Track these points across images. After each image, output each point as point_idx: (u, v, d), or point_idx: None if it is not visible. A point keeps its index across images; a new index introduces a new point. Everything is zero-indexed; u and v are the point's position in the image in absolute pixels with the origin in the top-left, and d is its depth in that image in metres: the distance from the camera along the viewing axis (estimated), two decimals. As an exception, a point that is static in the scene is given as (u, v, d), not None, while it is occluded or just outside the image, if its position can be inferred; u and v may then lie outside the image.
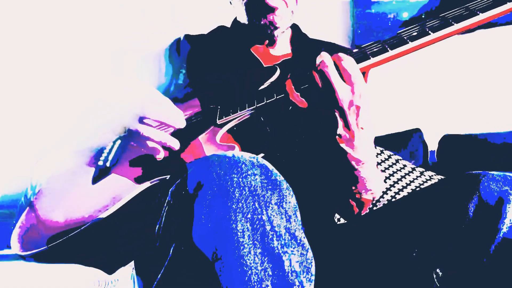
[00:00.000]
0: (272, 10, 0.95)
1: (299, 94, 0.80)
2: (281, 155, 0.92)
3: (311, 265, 0.58)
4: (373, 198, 0.87)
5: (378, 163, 1.64)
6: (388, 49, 0.76)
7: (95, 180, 0.86)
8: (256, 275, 0.53)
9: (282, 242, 0.56)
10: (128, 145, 0.87)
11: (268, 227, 0.56)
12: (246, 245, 0.54)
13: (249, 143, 0.85)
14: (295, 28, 1.10)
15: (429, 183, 1.63)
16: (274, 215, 0.57)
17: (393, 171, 1.66)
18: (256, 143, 0.85)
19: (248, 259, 0.54)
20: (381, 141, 1.71)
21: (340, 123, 0.77)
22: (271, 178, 0.59)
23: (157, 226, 0.67)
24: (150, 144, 0.79)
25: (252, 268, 0.53)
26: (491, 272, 0.66)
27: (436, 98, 1.95)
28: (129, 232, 0.79)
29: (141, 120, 0.79)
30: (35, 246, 0.78)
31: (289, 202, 0.60)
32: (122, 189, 0.80)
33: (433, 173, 1.68)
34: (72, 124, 0.91)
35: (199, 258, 0.55)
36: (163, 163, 0.82)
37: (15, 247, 0.80)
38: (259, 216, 0.56)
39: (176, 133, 0.82)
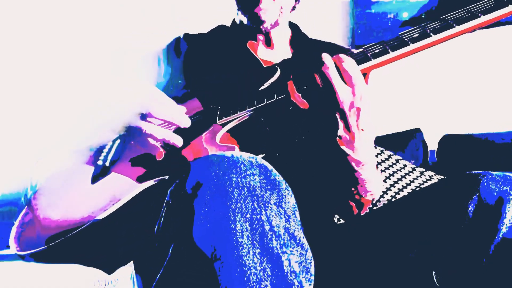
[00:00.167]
0: (256, 3, 0.96)
1: (300, 95, 0.80)
2: (281, 156, 0.92)
3: (311, 265, 0.58)
4: (373, 199, 0.87)
5: (378, 163, 1.64)
6: (389, 50, 0.76)
7: (95, 179, 0.86)
8: (255, 275, 0.53)
9: (281, 242, 0.56)
10: (128, 144, 0.87)
11: (267, 227, 0.56)
12: (245, 245, 0.54)
13: (249, 143, 0.84)
14: (295, 28, 1.10)
15: (429, 183, 1.63)
16: (273, 215, 0.57)
17: (393, 171, 1.66)
18: (256, 143, 0.85)
19: (247, 259, 0.54)
20: (381, 141, 1.71)
21: (341, 124, 0.77)
22: (270, 178, 0.59)
23: (156, 226, 0.67)
24: (151, 141, 0.79)
25: (251, 268, 0.53)
26: (491, 272, 0.66)
27: (436, 98, 1.95)
28: (128, 232, 0.79)
29: (143, 118, 0.79)
30: (33, 246, 0.78)
31: (288, 202, 0.60)
32: (121, 188, 0.80)
33: (433, 173, 1.68)
34: (72, 124, 0.91)
35: (198, 258, 0.55)
36: (163, 162, 0.81)
37: (13, 247, 0.80)
38: (258, 216, 0.56)
39: (176, 133, 0.82)
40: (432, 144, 1.84)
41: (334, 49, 1.08)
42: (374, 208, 0.92)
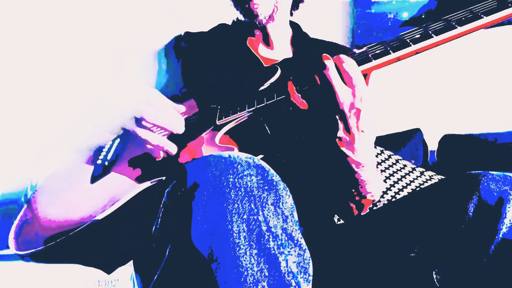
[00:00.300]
0: None
1: (299, 95, 0.80)
2: (281, 156, 0.92)
3: (309, 265, 0.58)
4: (373, 200, 0.87)
5: (378, 163, 1.63)
6: (391, 51, 0.75)
7: (94, 179, 0.86)
8: (252, 276, 0.53)
9: (279, 243, 0.56)
10: (128, 144, 0.86)
11: (264, 228, 0.56)
12: (242, 246, 0.54)
13: (249, 144, 0.84)
14: (295, 27, 1.10)
15: (429, 183, 1.63)
16: (270, 216, 0.57)
17: (393, 171, 1.66)
18: (255, 144, 0.84)
19: (244, 260, 0.53)
20: (381, 141, 1.70)
21: (341, 126, 0.77)
22: (267, 179, 0.59)
23: (154, 227, 0.66)
24: (148, 145, 0.79)
25: (248, 269, 0.53)
26: (491, 272, 0.66)
27: (436, 98, 1.95)
28: (128, 232, 0.79)
29: (138, 122, 0.78)
30: (32, 246, 0.78)
31: (286, 203, 0.59)
32: (121, 188, 0.80)
33: (433, 173, 1.68)
34: (72, 124, 0.90)
35: (195, 259, 0.55)
36: (162, 163, 0.81)
37: (12, 246, 0.80)
38: (255, 217, 0.56)
39: (174, 135, 0.82)
40: (432, 144, 1.84)
41: (335, 49, 1.07)
42: (374, 208, 0.92)
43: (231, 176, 0.57)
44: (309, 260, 0.59)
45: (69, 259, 0.82)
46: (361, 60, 0.77)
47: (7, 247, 0.81)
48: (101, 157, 0.89)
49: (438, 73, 1.95)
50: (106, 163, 0.87)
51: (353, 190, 0.84)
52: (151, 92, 0.83)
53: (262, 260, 0.54)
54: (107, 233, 0.78)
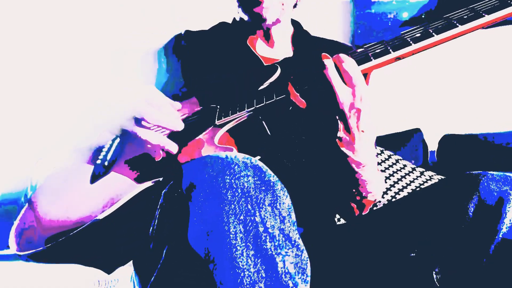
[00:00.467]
0: (258, 3, 0.95)
1: (298, 94, 0.80)
2: (282, 156, 0.91)
3: (307, 266, 0.58)
4: (374, 200, 0.87)
5: (378, 163, 1.63)
6: (391, 50, 0.75)
7: (94, 179, 0.86)
8: (249, 277, 0.53)
9: (276, 244, 0.56)
10: (127, 144, 0.86)
11: (261, 229, 0.55)
12: (238, 247, 0.54)
13: (248, 145, 0.84)
14: (296, 25, 1.09)
15: (429, 183, 1.63)
16: (267, 217, 0.56)
17: (393, 171, 1.66)
18: (254, 144, 0.84)
19: (241, 261, 0.53)
20: (381, 141, 1.70)
21: (341, 126, 0.76)
22: (264, 179, 0.59)
23: (151, 228, 0.66)
24: (148, 145, 0.79)
25: (245, 270, 0.53)
26: (491, 272, 0.66)
27: (436, 98, 1.95)
28: (128, 232, 0.79)
29: (138, 122, 0.78)
30: (33, 246, 0.77)
31: (283, 203, 0.59)
32: (121, 188, 0.80)
33: (433, 173, 1.68)
34: (72, 124, 0.90)
35: (192, 260, 0.55)
36: (162, 163, 0.81)
37: (12, 247, 0.80)
38: (252, 218, 0.55)
39: (175, 133, 0.82)
40: (432, 144, 1.84)
41: (336, 47, 1.07)
42: (374, 208, 0.92)
43: (228, 177, 0.57)
44: (307, 260, 0.59)
45: (69, 259, 0.82)
46: (361, 59, 0.76)
47: (7, 247, 0.81)
48: (100, 157, 0.88)
49: (438, 73, 1.95)
50: (106, 163, 0.87)
51: (354, 190, 0.84)
52: (149, 90, 0.82)
53: (259, 261, 0.54)
54: (107, 233, 0.78)
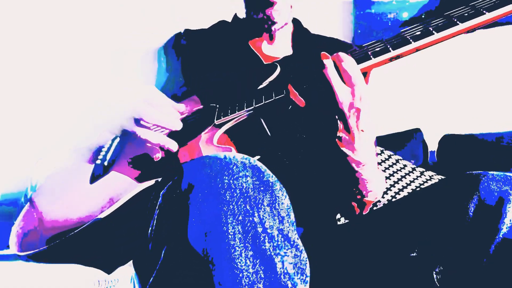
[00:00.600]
0: (270, 4, 0.94)
1: (297, 93, 0.80)
2: (282, 155, 0.91)
3: (306, 266, 0.58)
4: (375, 199, 0.87)
5: (379, 163, 1.63)
6: (390, 49, 0.74)
7: (93, 179, 0.86)
8: (248, 278, 0.53)
9: (275, 244, 0.55)
10: (127, 144, 0.86)
11: (260, 229, 0.55)
12: (237, 248, 0.53)
13: (247, 144, 0.84)
14: (296, 23, 1.09)
15: (429, 183, 1.63)
16: (266, 217, 0.56)
17: (393, 171, 1.66)
18: (254, 144, 0.84)
19: (239, 262, 0.53)
20: (381, 141, 1.71)
21: (340, 125, 0.76)
22: (263, 180, 0.59)
23: (149, 228, 0.66)
24: (148, 145, 0.79)
25: (243, 271, 0.53)
26: (491, 272, 0.66)
27: (436, 98, 1.95)
28: (128, 232, 0.79)
29: (138, 121, 0.78)
30: (33, 246, 0.77)
31: (282, 203, 0.59)
32: (120, 188, 0.80)
33: (433, 173, 1.68)
34: (72, 124, 0.90)
35: (190, 260, 0.55)
36: (162, 162, 0.81)
37: (13, 247, 0.80)
38: (251, 218, 0.55)
39: (174, 132, 0.82)
40: (432, 144, 1.84)
41: (336, 45, 1.07)
42: (374, 208, 0.92)
43: (226, 177, 0.57)
44: (306, 261, 0.58)
45: (69, 259, 0.82)
46: (360, 58, 0.76)
47: (7, 247, 0.81)
48: (100, 157, 0.89)
49: (438, 73, 1.95)
50: (106, 163, 0.87)
51: (354, 189, 0.84)
52: (149, 90, 0.82)
53: (257, 261, 0.54)
54: (107, 233, 0.78)
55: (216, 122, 0.84)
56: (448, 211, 0.71)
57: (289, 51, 1.05)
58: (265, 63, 0.99)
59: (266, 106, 0.82)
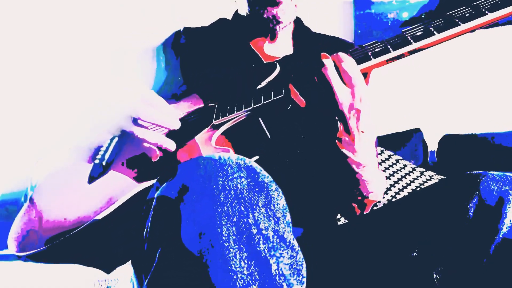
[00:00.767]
0: (276, 3, 0.92)
1: (298, 93, 0.79)
2: (282, 156, 0.91)
3: (302, 267, 0.57)
4: (376, 200, 0.87)
5: (379, 163, 1.63)
6: (391, 49, 0.73)
7: (92, 179, 0.85)
8: (242, 280, 0.52)
9: (270, 245, 0.55)
10: (125, 145, 0.86)
11: (254, 230, 0.55)
12: (231, 250, 0.53)
13: (246, 145, 0.83)
14: (297, 21, 1.08)
15: (429, 183, 1.63)
16: (261, 218, 0.56)
17: (393, 171, 1.66)
18: (252, 145, 0.83)
19: (234, 264, 0.52)
20: (381, 141, 1.70)
21: (340, 127, 0.76)
22: (258, 180, 0.58)
23: (145, 229, 0.66)
24: (145, 145, 0.78)
25: (238, 272, 0.52)
26: (491, 272, 0.65)
27: (436, 98, 1.95)
28: (126, 232, 0.79)
29: (135, 121, 0.78)
30: (32, 247, 0.77)
31: (278, 204, 0.58)
32: (119, 189, 0.80)
33: (433, 173, 1.68)
34: (72, 124, 0.90)
35: (185, 262, 0.54)
36: (160, 163, 0.81)
37: (11, 247, 0.80)
38: (245, 219, 0.55)
39: (173, 132, 0.81)
40: (432, 144, 1.84)
41: (337, 44, 1.06)
42: (374, 208, 0.92)
43: (221, 179, 0.56)
44: (303, 261, 0.58)
45: (68, 259, 0.82)
46: (360, 58, 0.75)
47: (7, 247, 0.80)
48: (98, 156, 0.88)
49: (438, 73, 1.95)
50: (104, 163, 0.86)
51: (355, 190, 0.83)
52: (143, 90, 0.81)
53: (252, 263, 0.53)
54: (105, 233, 0.78)
55: (215, 122, 0.84)
56: (448, 211, 0.71)
57: (290, 50, 1.04)
58: (265, 62, 0.98)
59: (266, 106, 0.82)
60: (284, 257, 0.56)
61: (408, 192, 1.60)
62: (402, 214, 0.80)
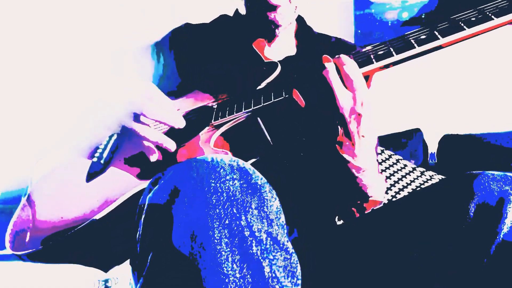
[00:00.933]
0: (273, 8, 0.91)
1: (298, 93, 0.79)
2: (281, 158, 0.91)
3: (296, 269, 0.56)
4: (375, 204, 0.86)
5: (379, 163, 1.63)
6: (394, 53, 0.72)
7: (89, 177, 0.85)
8: (234, 283, 0.51)
9: (263, 248, 0.54)
10: (125, 143, 0.85)
11: (247, 233, 0.54)
12: (223, 253, 0.52)
13: (244, 147, 0.82)
14: (300, 20, 1.07)
15: (429, 183, 1.63)
16: (254, 220, 0.55)
17: (393, 171, 1.66)
18: (251, 147, 0.82)
19: (226, 267, 0.52)
20: (381, 141, 1.70)
21: (340, 131, 0.75)
22: (251, 182, 0.57)
23: (137, 232, 0.65)
24: (145, 143, 0.77)
25: (230, 276, 0.51)
26: (491, 272, 0.65)
27: (436, 98, 1.95)
28: (124, 232, 0.78)
29: (137, 118, 0.77)
30: (29, 246, 0.77)
31: (271, 206, 0.57)
32: (116, 188, 0.79)
33: (433, 173, 1.68)
34: (72, 124, 0.90)
35: (177, 265, 0.54)
36: (161, 162, 0.80)
37: (7, 246, 0.79)
38: (238, 222, 0.54)
39: (172, 132, 0.80)
40: (432, 145, 1.84)
41: (339, 45, 1.05)
42: (374, 208, 0.92)
43: (213, 181, 0.55)
44: (297, 263, 0.57)
45: (66, 258, 0.82)
46: (362, 61, 0.74)
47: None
48: (97, 154, 0.88)
49: (438, 73, 1.95)
50: (102, 161, 0.85)
51: (354, 194, 0.83)
52: (150, 87, 0.80)
53: (245, 266, 0.52)
54: (103, 233, 0.77)
55: (214, 123, 0.83)
56: (448, 211, 0.71)
57: (293, 50, 1.03)
58: (265, 61, 0.97)
59: (265, 108, 0.81)
60: (277, 259, 0.55)
61: (408, 192, 1.60)
62: (402, 214, 0.80)
